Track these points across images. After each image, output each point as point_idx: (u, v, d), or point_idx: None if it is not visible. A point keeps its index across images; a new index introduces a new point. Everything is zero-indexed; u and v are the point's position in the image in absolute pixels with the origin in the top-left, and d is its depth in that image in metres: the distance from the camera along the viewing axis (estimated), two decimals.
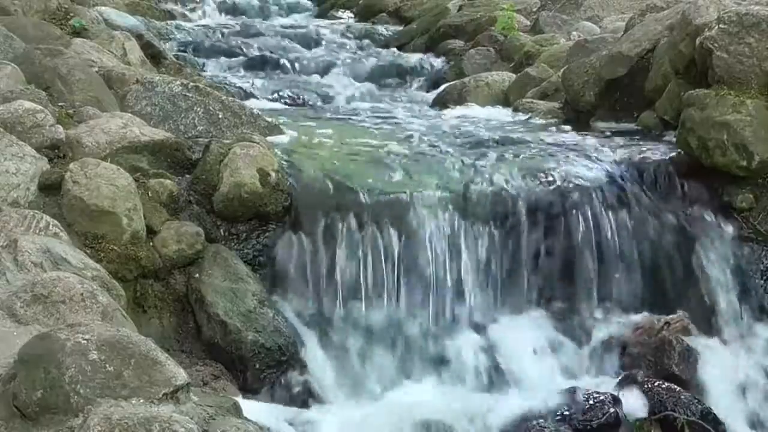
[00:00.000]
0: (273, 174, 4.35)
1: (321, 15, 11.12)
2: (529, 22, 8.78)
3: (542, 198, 4.55)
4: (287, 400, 3.92)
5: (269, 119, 5.32)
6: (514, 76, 7.06)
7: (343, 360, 4.09)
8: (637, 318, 4.44)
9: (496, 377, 4.16)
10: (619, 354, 4.31)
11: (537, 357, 4.29)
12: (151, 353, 2.75)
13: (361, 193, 4.43)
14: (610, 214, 4.56)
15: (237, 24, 9.58)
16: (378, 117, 6.19)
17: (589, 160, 4.86)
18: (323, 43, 9.09)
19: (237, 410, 3.09)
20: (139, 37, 7.08)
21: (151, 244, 4.07)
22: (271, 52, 8.49)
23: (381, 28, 9.89)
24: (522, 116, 6.13)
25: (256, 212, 4.31)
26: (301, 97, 7.43)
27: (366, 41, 9.41)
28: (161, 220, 4.15)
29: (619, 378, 4.18)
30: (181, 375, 2.76)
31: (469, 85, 7.05)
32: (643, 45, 5.65)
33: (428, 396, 4.02)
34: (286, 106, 7.12)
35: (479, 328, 4.31)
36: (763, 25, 4.64)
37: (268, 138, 4.86)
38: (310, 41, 9.06)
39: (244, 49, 8.51)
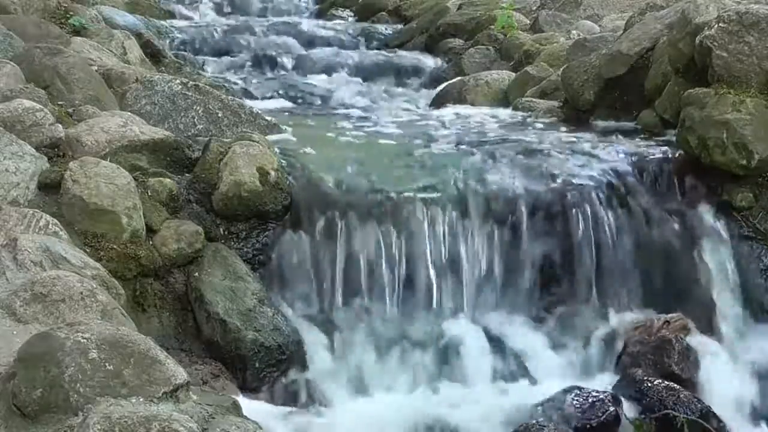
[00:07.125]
0: (273, 173, 4.35)
1: (320, 14, 11.11)
2: (528, 21, 8.77)
3: (542, 197, 4.55)
4: (287, 399, 3.92)
5: (269, 118, 5.33)
6: (514, 74, 7.06)
7: (343, 359, 4.09)
8: (637, 317, 4.43)
9: (496, 376, 4.15)
10: (618, 353, 4.31)
11: (536, 356, 4.29)
12: (150, 352, 2.75)
13: (361, 191, 4.44)
14: (609, 213, 4.56)
15: (237, 23, 9.57)
16: (377, 116, 6.19)
17: (589, 159, 4.86)
18: (323, 42, 9.08)
19: (236, 409, 3.09)
20: (138, 35, 7.09)
21: (150, 242, 4.08)
22: (271, 51, 8.48)
23: (380, 27, 9.87)
24: (522, 115, 6.13)
25: (256, 211, 4.31)
26: (301, 95, 7.43)
27: (365, 40, 9.40)
28: (161, 219, 4.16)
29: (619, 377, 4.18)
30: (180, 374, 2.76)
31: (468, 84, 7.04)
32: (643, 44, 5.65)
33: (429, 395, 4.02)
34: (286, 105, 7.12)
35: (479, 328, 4.31)
36: (762, 24, 4.64)
37: (268, 137, 4.86)
38: (310, 40, 9.05)
39: (244, 48, 8.50)
